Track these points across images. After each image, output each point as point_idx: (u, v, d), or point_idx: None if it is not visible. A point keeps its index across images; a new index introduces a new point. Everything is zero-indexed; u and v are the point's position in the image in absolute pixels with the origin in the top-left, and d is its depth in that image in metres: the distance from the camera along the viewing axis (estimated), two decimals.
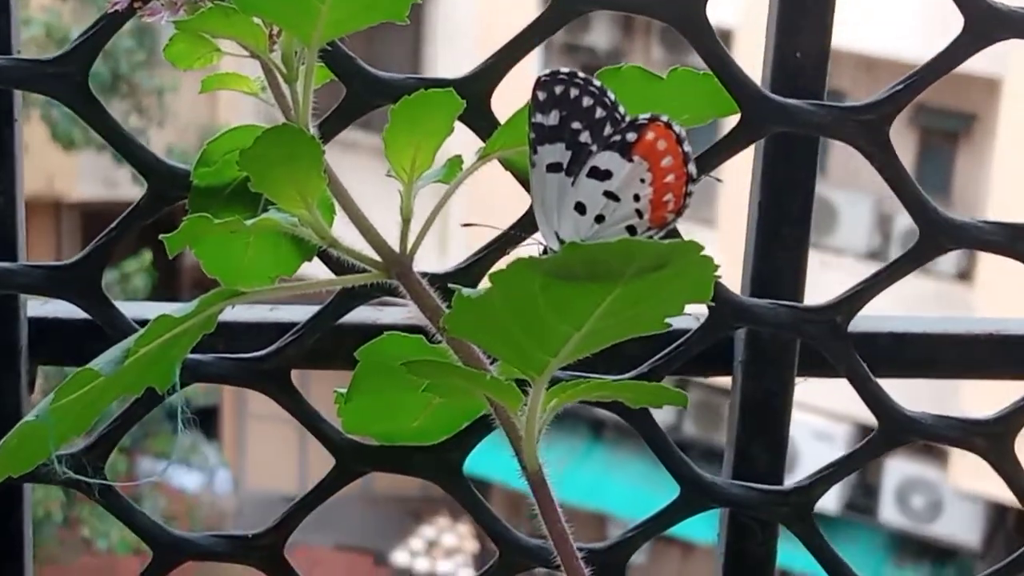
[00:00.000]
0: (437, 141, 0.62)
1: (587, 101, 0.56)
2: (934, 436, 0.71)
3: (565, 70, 0.55)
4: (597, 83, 0.56)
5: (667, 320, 0.55)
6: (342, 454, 0.72)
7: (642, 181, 0.55)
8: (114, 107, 5.96)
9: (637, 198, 0.55)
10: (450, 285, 0.57)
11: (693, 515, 0.73)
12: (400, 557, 7.59)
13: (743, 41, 5.84)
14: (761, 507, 0.72)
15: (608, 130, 0.56)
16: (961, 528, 7.66)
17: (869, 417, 0.71)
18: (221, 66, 0.66)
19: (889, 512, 8.51)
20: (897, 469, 7.59)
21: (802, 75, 0.68)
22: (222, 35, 0.61)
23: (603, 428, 7.89)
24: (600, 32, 7.44)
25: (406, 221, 0.62)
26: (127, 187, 6.63)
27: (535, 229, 0.63)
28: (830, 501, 7.27)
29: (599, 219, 0.55)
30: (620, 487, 7.58)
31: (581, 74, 0.56)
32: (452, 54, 7.42)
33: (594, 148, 0.56)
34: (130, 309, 0.70)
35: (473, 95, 0.65)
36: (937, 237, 0.68)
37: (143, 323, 0.59)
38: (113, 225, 0.68)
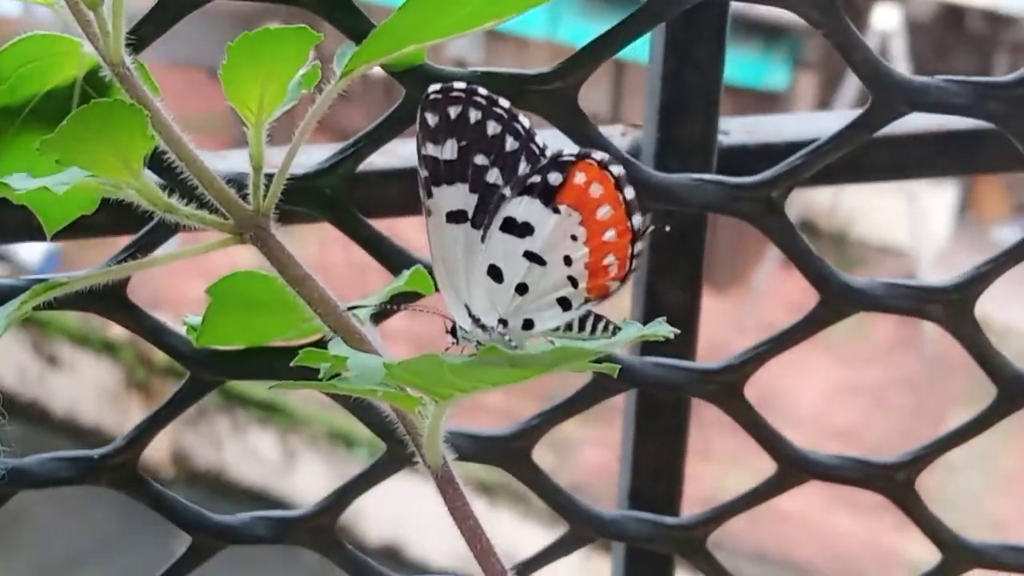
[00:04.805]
0: (290, 74, 0.49)
1: (492, 128, 0.41)
2: None
3: (460, 85, 0.41)
4: (505, 104, 0.40)
5: None
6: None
7: (574, 239, 0.41)
8: None
9: (569, 261, 0.41)
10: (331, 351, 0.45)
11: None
12: None
13: None
14: None
15: (523, 167, 0.41)
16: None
17: None
18: None
19: None
20: None
21: None
22: None
23: None
24: None
25: (257, 170, 0.50)
26: None
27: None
28: None
29: (521, 289, 0.41)
30: None
31: (482, 91, 0.40)
32: None
33: (507, 192, 0.41)
34: None
35: None
36: (892, 103, 0.57)
37: None
38: None
